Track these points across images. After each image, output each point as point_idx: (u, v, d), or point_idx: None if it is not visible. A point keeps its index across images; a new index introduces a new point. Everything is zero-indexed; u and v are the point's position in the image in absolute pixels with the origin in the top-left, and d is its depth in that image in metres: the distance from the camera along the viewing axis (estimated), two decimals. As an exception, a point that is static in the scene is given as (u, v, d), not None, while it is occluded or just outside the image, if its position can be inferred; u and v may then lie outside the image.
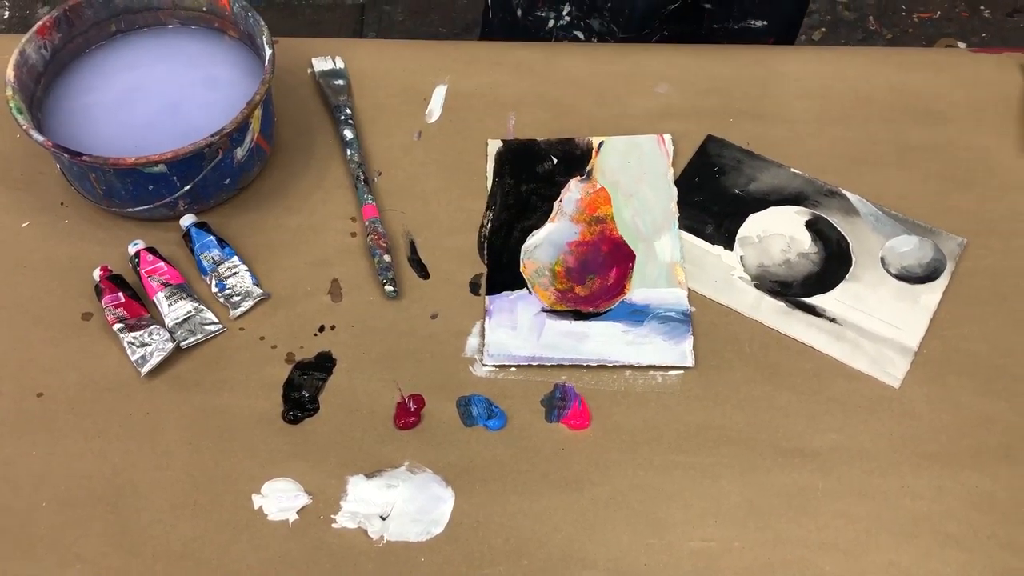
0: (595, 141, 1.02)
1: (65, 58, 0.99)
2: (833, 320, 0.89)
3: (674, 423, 0.83)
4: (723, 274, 0.92)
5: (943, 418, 0.83)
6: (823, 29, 2.23)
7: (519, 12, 1.17)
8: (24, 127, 0.88)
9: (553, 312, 0.89)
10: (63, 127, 0.95)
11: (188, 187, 0.91)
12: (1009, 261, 0.93)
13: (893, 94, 1.05)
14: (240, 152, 0.92)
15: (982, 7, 2.29)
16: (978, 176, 0.99)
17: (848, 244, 0.94)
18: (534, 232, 0.95)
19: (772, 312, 0.90)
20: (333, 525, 0.78)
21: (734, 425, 0.83)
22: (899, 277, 0.91)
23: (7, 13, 2.29)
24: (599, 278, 0.91)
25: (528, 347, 0.86)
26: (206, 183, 0.92)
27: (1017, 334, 0.88)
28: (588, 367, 0.86)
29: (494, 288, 0.91)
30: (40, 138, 0.87)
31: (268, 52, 0.93)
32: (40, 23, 0.95)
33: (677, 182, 0.99)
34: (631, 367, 0.86)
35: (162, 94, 0.99)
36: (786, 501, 0.79)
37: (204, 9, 1.01)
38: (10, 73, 0.91)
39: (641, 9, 1.10)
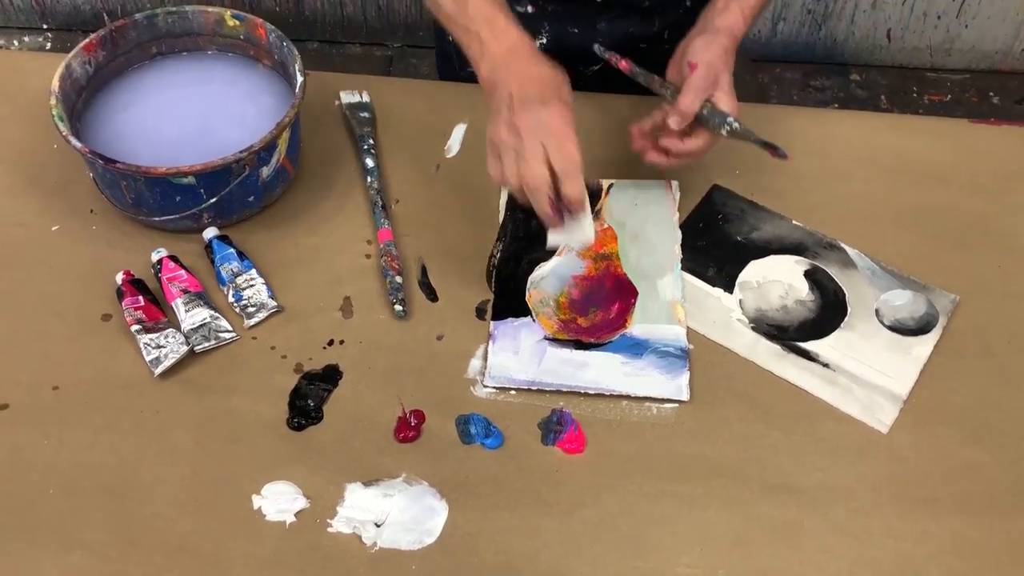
0: (604, 183, 1.06)
1: (107, 75, 1.04)
2: (826, 365, 0.92)
3: (666, 453, 0.85)
4: (722, 315, 0.95)
5: (929, 465, 0.85)
6: (835, 106, 2.30)
7: None
8: (64, 133, 0.92)
9: (555, 340, 0.92)
10: (99, 138, 0.99)
11: (214, 200, 0.95)
12: (999, 320, 0.96)
13: (894, 157, 1.10)
14: (266, 171, 0.97)
15: (991, 93, 2.35)
16: (972, 238, 1.02)
17: (844, 295, 0.97)
18: (541, 264, 0.98)
19: (768, 354, 0.92)
20: (328, 529, 0.80)
21: (724, 459, 0.85)
22: (892, 329, 0.94)
23: (49, 44, 2.38)
24: (601, 311, 0.95)
25: (529, 372, 0.89)
26: (231, 198, 0.96)
27: (1003, 389, 0.90)
28: (586, 395, 0.89)
29: (499, 314, 0.94)
30: (78, 144, 0.92)
31: (300, 79, 0.98)
32: (87, 40, 1.01)
33: (682, 226, 1.03)
34: (628, 397, 0.88)
35: (196, 115, 1.03)
36: (771, 534, 0.81)
37: (241, 37, 1.06)
38: (55, 84, 0.96)
39: None
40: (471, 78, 0.92)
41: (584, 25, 1.14)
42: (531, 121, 0.82)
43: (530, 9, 1.14)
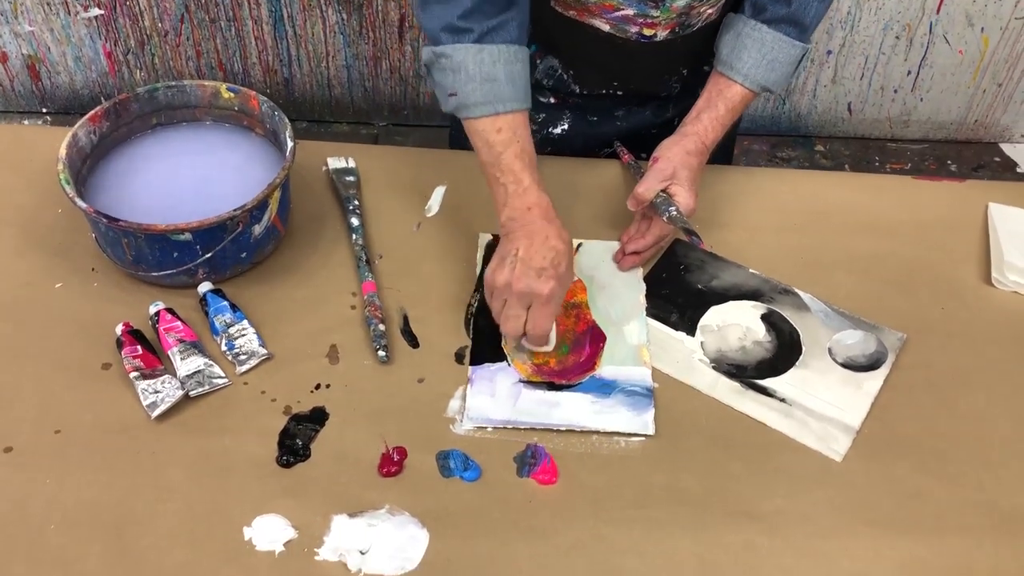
0: (574, 243, 1.13)
1: (110, 144, 1.12)
2: (783, 400, 0.98)
3: (634, 483, 0.91)
4: (685, 357, 1.02)
5: (880, 490, 0.91)
6: (802, 175, 2.40)
7: None
8: (70, 195, 0.99)
9: (529, 383, 0.98)
10: (102, 201, 1.06)
11: (209, 255, 1.02)
12: (944, 357, 1.03)
13: (844, 210, 1.18)
14: (258, 229, 1.04)
15: (949, 162, 2.47)
16: (918, 282, 1.10)
17: (799, 335, 1.04)
18: (516, 313, 1.05)
19: (728, 391, 0.99)
20: (316, 557, 0.84)
21: (688, 488, 0.91)
22: (844, 365, 1.01)
23: (50, 119, 2.47)
24: (572, 355, 1.01)
25: (505, 412, 0.95)
26: (225, 254, 1.03)
27: (949, 420, 0.97)
28: (558, 431, 0.94)
29: (477, 359, 1.00)
30: (83, 204, 0.99)
31: (290, 145, 1.07)
32: (92, 112, 1.09)
33: (646, 278, 1.10)
34: (598, 432, 0.94)
35: (193, 180, 1.11)
36: (733, 557, 0.86)
37: (236, 108, 1.15)
38: (62, 151, 1.04)
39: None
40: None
41: (603, 114, 1.25)
42: (524, 289, 0.95)
43: (552, 100, 1.24)
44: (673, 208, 1.04)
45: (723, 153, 1.33)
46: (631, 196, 1.07)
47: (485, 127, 0.99)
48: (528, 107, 1.01)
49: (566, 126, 1.26)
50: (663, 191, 1.06)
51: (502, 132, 0.99)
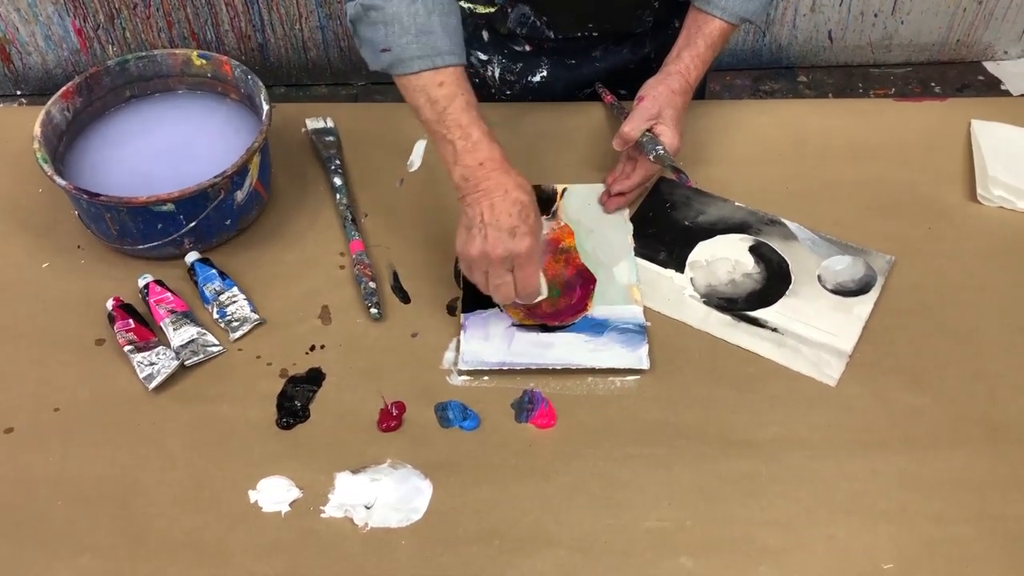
0: (559, 187, 1.13)
1: (85, 119, 1.11)
2: (775, 330, 0.98)
3: (631, 421, 0.92)
4: (675, 293, 1.02)
5: (875, 411, 0.92)
6: (786, 107, 2.39)
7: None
8: (48, 173, 0.99)
9: (522, 326, 0.99)
10: (82, 178, 1.06)
11: (193, 224, 1.01)
12: (933, 276, 1.03)
13: (826, 137, 1.18)
14: (240, 195, 1.03)
15: (933, 84, 2.45)
16: (904, 205, 1.10)
17: (788, 265, 1.04)
18: (505, 261, 1.05)
19: (719, 324, 0.99)
20: (322, 515, 0.86)
21: (685, 421, 0.92)
22: (834, 292, 1.01)
23: (24, 101, 2.45)
24: (563, 297, 1.01)
25: (499, 354, 0.96)
26: (209, 222, 1.02)
27: (939, 338, 0.98)
28: (554, 373, 0.95)
29: (469, 307, 1.01)
30: (63, 182, 0.98)
31: (266, 108, 1.06)
32: (64, 88, 1.08)
33: (633, 218, 1.10)
34: (593, 372, 0.95)
35: (171, 151, 1.10)
36: (733, 485, 0.87)
37: (209, 75, 1.14)
38: (37, 130, 1.03)
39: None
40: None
41: (581, 56, 1.23)
42: (502, 252, 0.91)
43: (528, 48, 1.22)
44: (660, 147, 1.04)
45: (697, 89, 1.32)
46: (617, 136, 1.06)
47: (425, 82, 0.95)
48: (464, 63, 0.97)
49: (545, 73, 1.24)
50: (648, 131, 1.06)
51: (444, 86, 0.94)
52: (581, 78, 1.25)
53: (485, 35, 1.21)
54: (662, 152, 1.04)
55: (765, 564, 0.82)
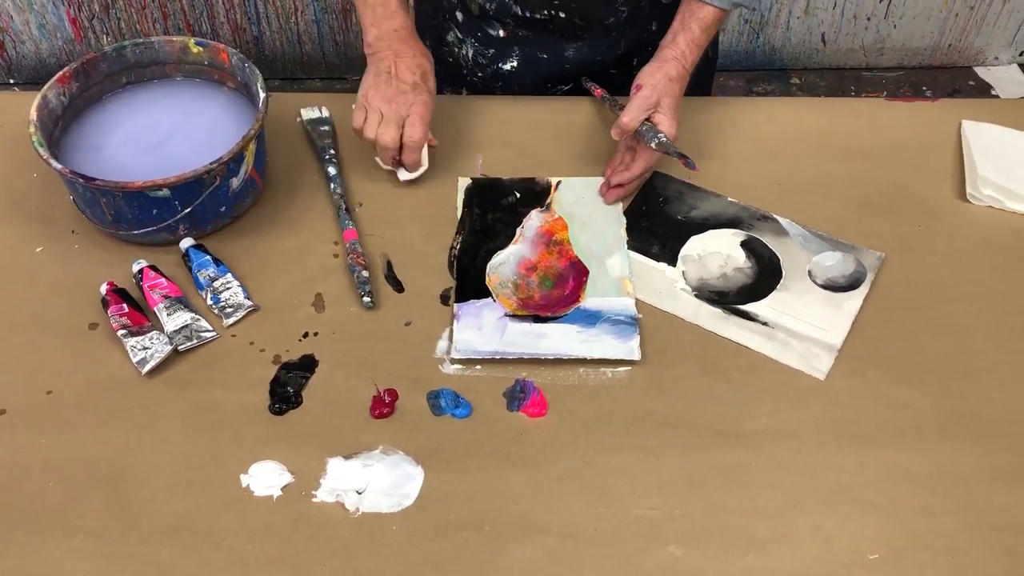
0: (553, 181, 1.14)
1: (81, 105, 1.11)
2: (765, 323, 0.99)
3: (622, 411, 0.92)
4: (667, 286, 1.03)
5: (863, 405, 0.93)
6: (779, 108, 2.40)
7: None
8: (44, 157, 0.99)
9: (515, 316, 0.99)
10: (77, 162, 1.06)
11: (188, 211, 1.02)
12: (922, 274, 1.04)
13: (819, 135, 1.19)
14: (235, 182, 1.04)
15: (924, 88, 2.47)
16: (894, 203, 1.11)
17: (779, 260, 1.05)
18: (498, 252, 1.06)
19: (710, 317, 1.00)
20: (313, 499, 0.86)
21: (676, 412, 0.92)
22: (825, 287, 1.02)
23: (18, 90, 2.44)
24: (556, 289, 1.02)
25: (492, 344, 0.96)
26: (204, 208, 1.03)
27: (927, 334, 0.99)
28: (546, 363, 0.96)
29: (462, 297, 1.01)
30: (59, 166, 0.98)
31: (262, 95, 1.06)
32: (61, 73, 1.08)
33: (626, 212, 1.11)
34: (584, 362, 0.96)
35: (166, 138, 1.10)
36: (722, 475, 0.88)
37: (206, 63, 1.14)
38: (33, 114, 1.03)
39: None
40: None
41: (552, 52, 1.23)
42: (402, 100, 1.07)
43: (502, 33, 1.23)
44: (661, 135, 1.04)
45: (702, 85, 1.32)
46: (615, 126, 1.06)
47: None
48: None
49: (515, 63, 1.25)
50: (647, 120, 1.06)
51: None
52: (552, 73, 1.25)
53: (459, 15, 1.23)
54: (664, 139, 1.04)
55: (753, 553, 0.83)
